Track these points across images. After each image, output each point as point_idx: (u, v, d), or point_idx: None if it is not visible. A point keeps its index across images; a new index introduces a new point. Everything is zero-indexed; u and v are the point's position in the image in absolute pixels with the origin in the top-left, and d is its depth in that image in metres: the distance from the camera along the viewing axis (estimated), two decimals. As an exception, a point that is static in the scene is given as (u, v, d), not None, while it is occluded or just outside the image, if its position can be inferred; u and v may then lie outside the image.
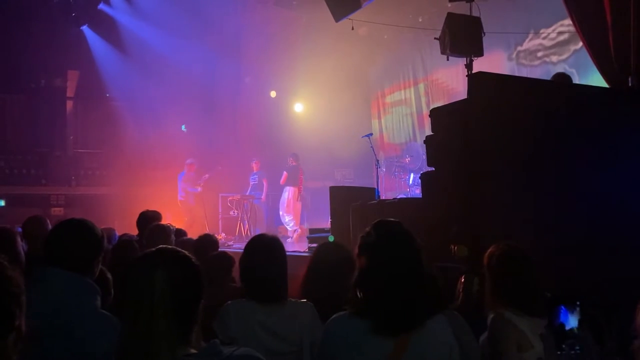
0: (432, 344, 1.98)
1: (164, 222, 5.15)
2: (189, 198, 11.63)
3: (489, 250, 2.73)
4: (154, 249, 1.58)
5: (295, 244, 10.43)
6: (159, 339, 1.40)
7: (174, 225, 4.92)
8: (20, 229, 4.66)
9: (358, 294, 2.04)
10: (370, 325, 1.95)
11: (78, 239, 2.26)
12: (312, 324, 2.56)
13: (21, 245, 3.53)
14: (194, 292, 1.54)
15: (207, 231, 11.17)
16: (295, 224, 11.45)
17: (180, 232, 5.19)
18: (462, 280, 3.23)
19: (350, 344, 1.98)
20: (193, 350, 1.48)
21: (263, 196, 11.83)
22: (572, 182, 4.60)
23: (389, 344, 1.94)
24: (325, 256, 2.98)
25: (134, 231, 5.20)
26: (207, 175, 11.88)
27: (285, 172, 11.63)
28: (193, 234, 5.50)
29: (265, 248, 2.70)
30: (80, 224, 2.35)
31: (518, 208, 4.35)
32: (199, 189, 11.69)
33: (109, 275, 2.74)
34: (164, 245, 1.63)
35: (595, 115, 4.90)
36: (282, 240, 2.87)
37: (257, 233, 10.95)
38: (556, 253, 4.13)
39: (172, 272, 1.49)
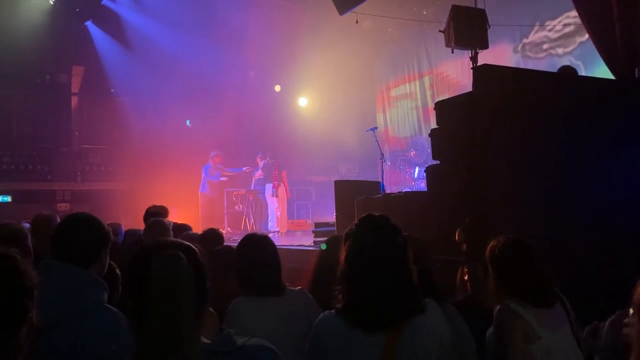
0: (424, 338, 1.94)
1: (170, 217, 5.16)
2: (213, 190, 11.67)
3: (490, 244, 2.71)
4: (163, 240, 1.57)
5: (283, 237, 10.57)
6: (184, 329, 1.39)
7: (170, 220, 4.93)
8: (27, 225, 4.69)
9: (341, 287, 2.01)
10: (353, 321, 1.92)
11: (84, 232, 2.26)
12: (314, 305, 2.71)
13: (31, 240, 3.56)
14: (205, 283, 1.54)
15: (226, 225, 11.26)
16: (275, 225, 11.34)
17: (184, 227, 5.19)
18: (465, 270, 3.22)
19: (339, 343, 1.94)
20: (206, 340, 1.49)
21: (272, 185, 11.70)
22: (578, 174, 4.58)
23: (379, 341, 1.90)
24: (335, 252, 2.99)
25: (141, 226, 5.21)
26: (246, 168, 11.99)
27: (260, 170, 11.72)
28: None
29: (258, 247, 2.84)
30: (85, 218, 2.35)
31: (523, 201, 4.34)
32: (222, 177, 11.70)
33: (119, 272, 2.75)
34: (170, 239, 1.63)
35: (602, 107, 4.88)
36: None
37: (262, 227, 10.93)
38: (564, 247, 4.12)
39: (191, 262, 1.48)
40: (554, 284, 2.69)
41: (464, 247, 3.64)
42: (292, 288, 2.80)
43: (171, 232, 4.40)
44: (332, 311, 2.02)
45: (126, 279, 1.53)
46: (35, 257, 3.26)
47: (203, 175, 11.64)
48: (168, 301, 1.40)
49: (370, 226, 2.08)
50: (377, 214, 2.17)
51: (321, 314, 2.08)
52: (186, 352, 1.39)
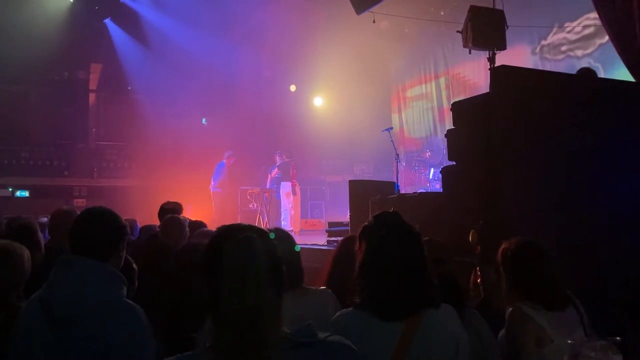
0: (439, 334, 1.98)
1: (185, 214, 5.18)
2: (225, 189, 11.74)
3: (502, 247, 2.69)
4: (236, 224, 1.55)
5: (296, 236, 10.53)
6: (264, 313, 1.37)
7: (187, 217, 4.96)
8: (45, 219, 4.76)
9: (360, 281, 2.06)
10: (371, 314, 1.97)
11: (100, 226, 2.26)
12: (337, 307, 2.57)
13: (41, 236, 3.60)
14: (281, 267, 1.49)
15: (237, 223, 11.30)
16: (290, 224, 11.32)
17: (199, 224, 5.21)
18: (478, 273, 3.20)
19: (356, 335, 1.92)
20: (286, 329, 1.45)
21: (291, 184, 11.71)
22: (596, 178, 4.53)
23: (395, 334, 1.94)
24: (352, 249, 2.97)
25: (156, 222, 5.25)
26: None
27: (276, 168, 11.72)
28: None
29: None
30: (102, 212, 2.35)
31: (539, 203, 4.30)
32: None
33: (135, 266, 2.77)
34: (243, 223, 1.59)
35: (621, 109, 4.82)
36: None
37: (276, 225, 10.96)
38: (579, 250, 4.07)
39: (265, 245, 1.46)
40: (567, 286, 2.67)
41: (478, 249, 3.63)
42: (316, 288, 2.71)
43: (187, 229, 4.42)
44: (350, 308, 2.06)
45: (202, 266, 1.48)
46: (54, 252, 3.31)
47: (216, 174, 11.72)
48: (245, 284, 1.36)
49: (386, 221, 2.16)
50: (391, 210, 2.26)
51: (337, 313, 2.11)
52: (267, 339, 1.36)
